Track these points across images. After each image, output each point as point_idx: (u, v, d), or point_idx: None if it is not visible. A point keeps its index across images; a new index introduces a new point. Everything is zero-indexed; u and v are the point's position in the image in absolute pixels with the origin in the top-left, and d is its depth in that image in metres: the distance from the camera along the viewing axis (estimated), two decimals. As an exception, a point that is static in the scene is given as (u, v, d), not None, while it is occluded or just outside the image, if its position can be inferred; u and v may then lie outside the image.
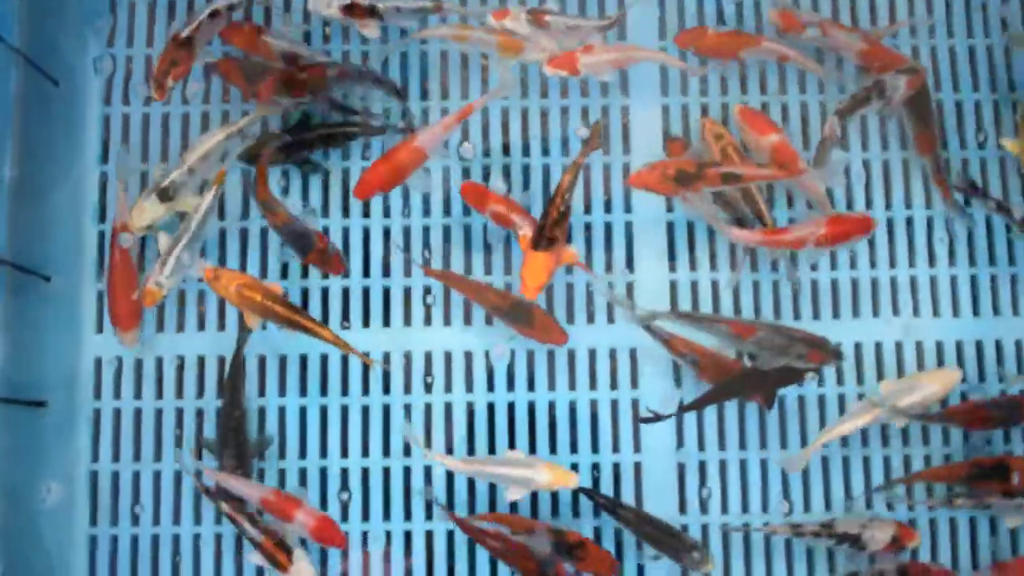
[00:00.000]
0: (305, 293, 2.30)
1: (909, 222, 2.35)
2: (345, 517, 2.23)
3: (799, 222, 2.23)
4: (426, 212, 2.33)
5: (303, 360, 2.28)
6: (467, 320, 2.30)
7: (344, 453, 2.25)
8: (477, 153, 2.35)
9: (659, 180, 2.18)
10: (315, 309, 2.29)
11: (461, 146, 2.35)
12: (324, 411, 2.26)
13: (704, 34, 2.34)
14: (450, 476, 2.23)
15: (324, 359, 2.28)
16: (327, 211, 2.33)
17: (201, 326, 2.30)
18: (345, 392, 2.27)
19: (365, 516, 2.23)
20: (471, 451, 2.25)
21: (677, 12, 2.42)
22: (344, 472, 2.25)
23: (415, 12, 2.31)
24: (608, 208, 2.35)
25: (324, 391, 2.27)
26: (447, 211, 2.33)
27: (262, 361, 2.27)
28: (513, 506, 2.19)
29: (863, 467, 2.26)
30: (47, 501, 2.19)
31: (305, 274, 2.30)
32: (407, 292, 2.31)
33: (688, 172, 2.17)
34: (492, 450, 2.25)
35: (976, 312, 2.32)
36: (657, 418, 2.15)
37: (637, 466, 2.26)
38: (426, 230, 2.33)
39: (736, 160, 2.25)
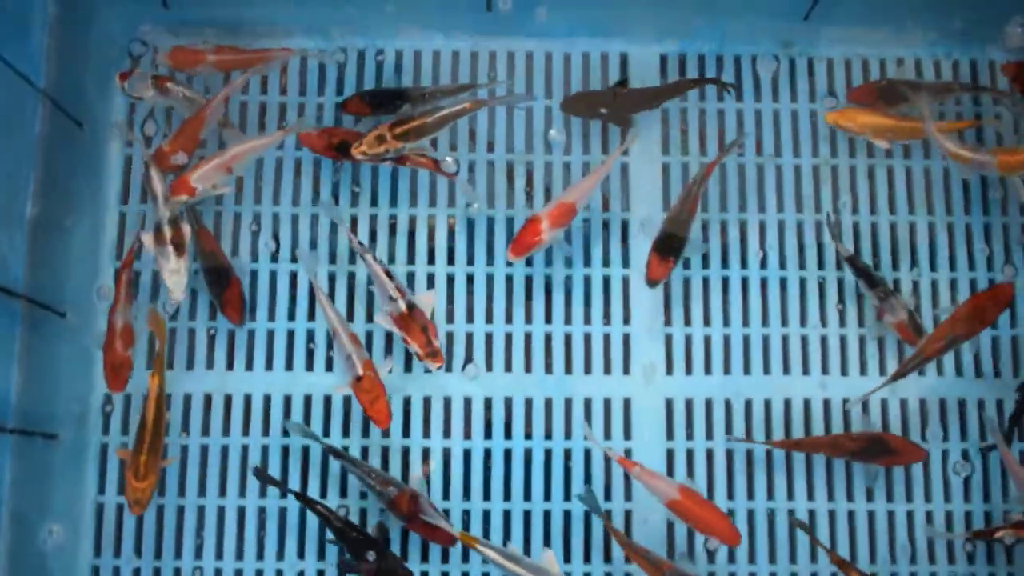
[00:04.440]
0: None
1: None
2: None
3: None
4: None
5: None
6: (464, 368, 2.38)
7: (343, 493, 2.32)
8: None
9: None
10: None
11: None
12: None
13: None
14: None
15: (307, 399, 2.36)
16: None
17: (209, 365, 2.37)
18: (346, 434, 2.35)
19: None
20: (466, 496, 2.32)
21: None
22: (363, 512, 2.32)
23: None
24: (606, 262, 2.44)
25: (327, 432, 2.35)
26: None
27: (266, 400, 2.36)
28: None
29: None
30: (48, 543, 2.24)
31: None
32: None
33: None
34: (487, 495, 2.33)
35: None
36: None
37: (627, 513, 2.33)
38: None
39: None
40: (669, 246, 2.29)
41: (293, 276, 2.40)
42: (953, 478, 2.35)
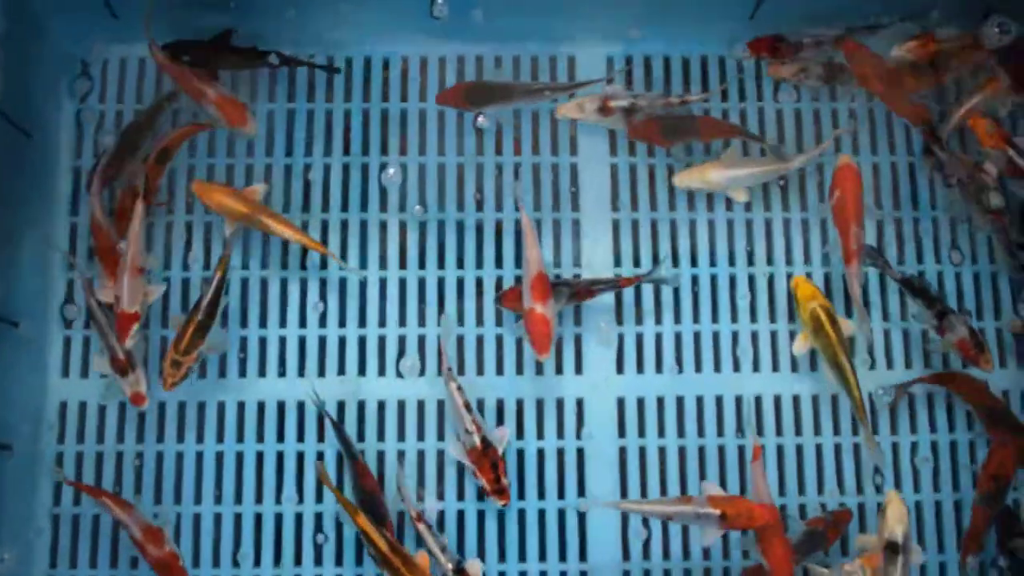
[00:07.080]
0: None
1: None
2: (319, 560, 2.32)
3: None
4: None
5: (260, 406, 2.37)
6: (423, 371, 2.40)
7: (319, 498, 2.34)
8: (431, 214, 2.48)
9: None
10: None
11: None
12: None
13: None
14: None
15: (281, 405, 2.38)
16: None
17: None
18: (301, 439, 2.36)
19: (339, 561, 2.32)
20: (440, 499, 2.34)
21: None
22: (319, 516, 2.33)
23: None
24: (557, 263, 2.46)
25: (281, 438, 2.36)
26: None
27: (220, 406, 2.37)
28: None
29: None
30: (1, 568, 2.24)
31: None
32: (382, 341, 2.40)
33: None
34: (460, 496, 2.34)
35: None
36: None
37: (582, 516, 2.35)
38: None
39: None
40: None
41: (263, 282, 2.42)
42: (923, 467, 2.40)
